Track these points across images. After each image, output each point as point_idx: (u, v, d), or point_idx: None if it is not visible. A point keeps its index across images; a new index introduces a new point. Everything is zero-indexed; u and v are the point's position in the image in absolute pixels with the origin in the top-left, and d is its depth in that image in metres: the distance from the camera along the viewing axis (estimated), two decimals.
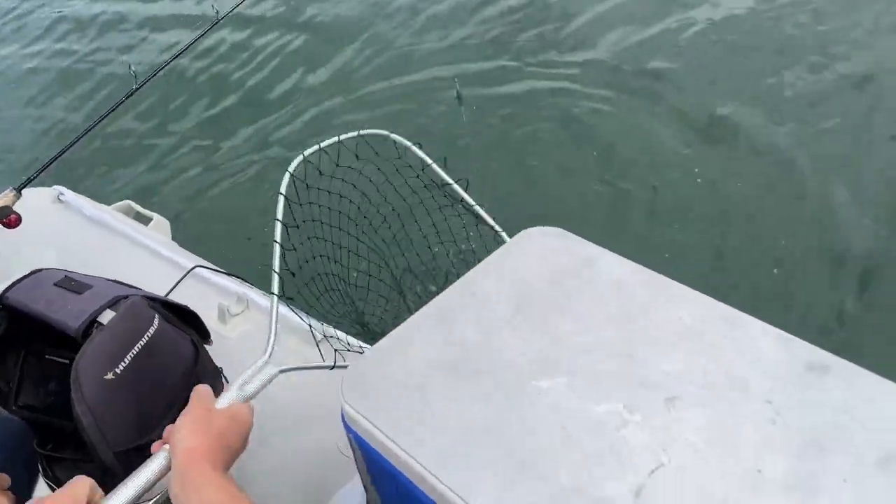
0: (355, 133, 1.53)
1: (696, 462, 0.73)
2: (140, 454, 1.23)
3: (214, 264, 1.99)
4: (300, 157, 1.36)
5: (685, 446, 0.75)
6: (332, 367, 1.30)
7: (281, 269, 1.27)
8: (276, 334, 1.22)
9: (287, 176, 1.29)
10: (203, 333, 1.47)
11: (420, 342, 0.92)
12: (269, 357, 1.20)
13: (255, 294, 1.77)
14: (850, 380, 0.80)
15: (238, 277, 1.92)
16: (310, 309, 1.55)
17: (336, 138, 1.46)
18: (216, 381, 1.45)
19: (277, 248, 1.29)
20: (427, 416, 0.82)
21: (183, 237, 2.36)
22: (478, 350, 0.89)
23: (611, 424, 0.78)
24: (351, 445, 0.92)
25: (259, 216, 3.24)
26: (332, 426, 1.47)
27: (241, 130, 4.06)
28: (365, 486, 1.03)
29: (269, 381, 1.19)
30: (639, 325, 0.89)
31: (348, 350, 1.46)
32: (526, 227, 1.10)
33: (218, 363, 1.50)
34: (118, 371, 1.16)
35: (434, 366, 0.88)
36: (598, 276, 0.97)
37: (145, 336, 1.21)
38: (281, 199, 1.27)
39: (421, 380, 0.87)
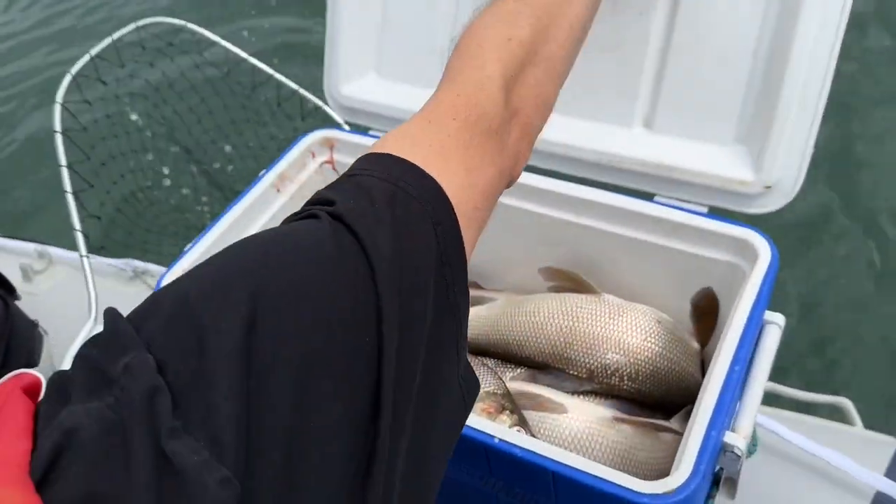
0: (132, 26, 1.32)
1: None
2: None
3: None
4: (68, 77, 1.22)
5: None
6: None
7: (83, 217, 1.23)
8: (95, 290, 1.21)
9: (57, 108, 1.18)
10: (8, 289, 1.47)
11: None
12: (96, 318, 1.21)
13: (55, 249, 1.76)
14: None
15: (35, 241, 1.88)
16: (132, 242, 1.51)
17: (109, 39, 1.29)
18: (33, 332, 1.47)
19: (71, 199, 1.23)
20: None
21: None
22: None
23: None
24: None
25: (46, 169, 2.99)
26: None
27: None
28: None
29: None
30: None
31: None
32: None
33: (33, 318, 1.51)
34: None
35: None
36: None
37: None
38: (59, 138, 1.18)
39: None
